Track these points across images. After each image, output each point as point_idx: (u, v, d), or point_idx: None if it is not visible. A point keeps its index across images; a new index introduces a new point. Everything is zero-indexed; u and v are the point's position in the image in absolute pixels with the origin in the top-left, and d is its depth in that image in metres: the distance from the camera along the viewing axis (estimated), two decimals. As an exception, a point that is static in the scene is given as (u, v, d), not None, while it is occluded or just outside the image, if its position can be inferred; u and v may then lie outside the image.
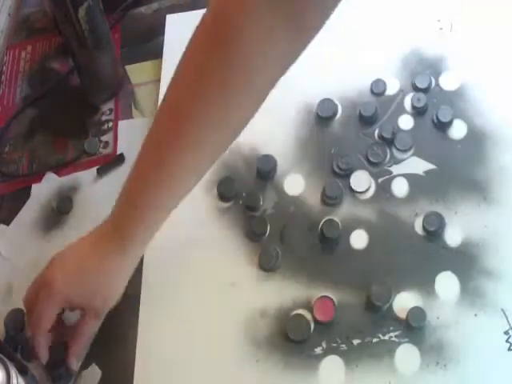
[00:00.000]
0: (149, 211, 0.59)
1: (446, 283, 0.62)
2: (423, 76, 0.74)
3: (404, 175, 0.69)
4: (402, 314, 0.61)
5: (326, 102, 0.75)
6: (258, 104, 0.57)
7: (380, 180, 0.69)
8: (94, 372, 0.63)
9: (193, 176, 0.60)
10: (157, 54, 0.84)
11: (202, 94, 0.54)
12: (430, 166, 0.69)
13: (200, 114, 0.55)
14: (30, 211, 0.75)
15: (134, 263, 0.61)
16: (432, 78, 0.75)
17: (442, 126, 0.71)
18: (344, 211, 0.68)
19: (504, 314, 0.59)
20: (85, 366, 0.64)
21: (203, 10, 0.87)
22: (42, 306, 0.59)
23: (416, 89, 0.74)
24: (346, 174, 0.70)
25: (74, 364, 0.62)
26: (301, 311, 0.63)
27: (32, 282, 0.62)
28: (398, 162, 0.70)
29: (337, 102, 0.75)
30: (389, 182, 0.69)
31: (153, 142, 0.58)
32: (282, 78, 0.78)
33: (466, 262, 0.63)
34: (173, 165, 0.57)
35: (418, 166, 0.69)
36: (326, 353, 0.61)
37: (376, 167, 0.70)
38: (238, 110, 0.56)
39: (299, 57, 0.56)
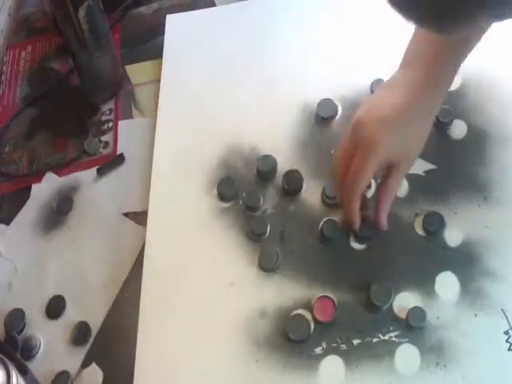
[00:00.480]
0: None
1: (446, 283, 0.62)
2: (423, 76, 0.74)
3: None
4: (402, 314, 0.61)
5: (326, 102, 0.75)
6: None
7: (380, 180, 0.69)
8: (95, 372, 0.63)
9: None
10: (157, 54, 0.84)
11: None
12: (430, 166, 0.69)
13: None
14: (30, 211, 0.75)
15: (435, 110, 0.62)
16: (432, 78, 0.74)
17: (442, 126, 0.71)
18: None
19: (504, 314, 0.59)
20: (85, 365, 0.64)
21: (203, 10, 0.88)
22: (362, 164, 0.59)
23: (416, 89, 0.74)
24: (345, 174, 0.70)
25: (385, 220, 0.63)
26: (301, 311, 0.63)
27: (341, 142, 0.62)
28: (398, 161, 0.70)
29: (337, 102, 0.75)
30: (389, 182, 0.69)
31: None
32: (282, 78, 0.78)
33: (466, 262, 0.63)
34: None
35: (417, 166, 0.69)
36: (325, 353, 0.61)
37: (376, 167, 0.70)
38: None
39: None
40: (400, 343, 0.60)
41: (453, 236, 0.64)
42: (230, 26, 0.85)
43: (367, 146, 0.58)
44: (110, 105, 0.83)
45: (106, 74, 0.82)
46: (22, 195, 0.77)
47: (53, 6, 0.76)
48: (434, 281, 0.62)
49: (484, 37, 0.76)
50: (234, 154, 0.74)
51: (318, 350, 0.61)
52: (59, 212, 0.74)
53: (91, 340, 0.65)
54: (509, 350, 0.58)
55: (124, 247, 0.70)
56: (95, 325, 0.66)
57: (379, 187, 0.63)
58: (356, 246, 0.66)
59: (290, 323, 0.62)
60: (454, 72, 0.62)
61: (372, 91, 0.75)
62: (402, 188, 0.68)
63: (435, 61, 0.60)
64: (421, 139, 0.61)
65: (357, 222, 0.63)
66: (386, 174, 0.62)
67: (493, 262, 0.62)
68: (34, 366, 0.63)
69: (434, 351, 0.59)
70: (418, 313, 0.60)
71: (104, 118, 0.82)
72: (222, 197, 0.71)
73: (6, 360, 0.52)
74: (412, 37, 0.63)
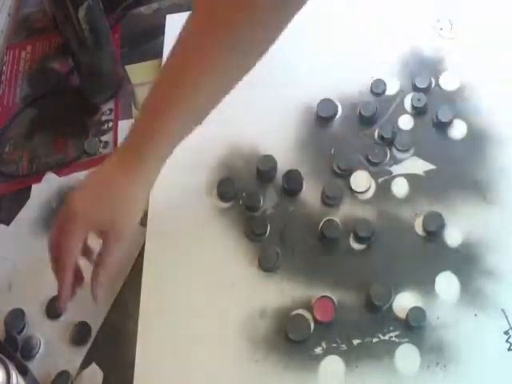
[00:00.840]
0: (167, 124, 0.59)
1: (446, 283, 0.62)
2: (423, 76, 0.74)
3: (404, 175, 0.69)
4: (402, 314, 0.61)
5: (326, 102, 0.75)
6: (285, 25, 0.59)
7: (380, 180, 0.69)
8: (95, 372, 0.63)
9: (211, 100, 0.61)
10: (157, 54, 0.84)
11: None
12: (430, 166, 0.69)
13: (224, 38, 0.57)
14: (30, 211, 0.75)
15: (152, 179, 0.61)
16: (432, 78, 0.75)
17: (442, 126, 0.71)
18: (344, 211, 0.68)
19: (504, 314, 0.59)
20: (85, 365, 0.64)
21: (203, 10, 0.87)
22: (68, 237, 0.59)
23: (416, 89, 0.74)
24: (346, 174, 0.70)
25: (99, 292, 0.62)
26: (301, 311, 0.63)
27: (53, 225, 0.62)
28: (398, 162, 0.70)
29: (337, 102, 0.75)
30: (389, 182, 0.69)
31: (176, 66, 0.59)
32: (282, 78, 0.78)
33: (466, 262, 0.63)
34: (195, 85, 0.58)
35: (418, 166, 0.69)
36: (326, 353, 0.61)
37: (376, 167, 0.70)
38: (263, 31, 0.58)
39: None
40: (400, 343, 0.60)
41: (453, 236, 0.64)
42: (229, 26, 0.85)
43: (69, 218, 0.59)
44: (110, 105, 0.83)
45: (106, 74, 0.82)
46: (22, 195, 0.77)
47: (53, 6, 0.76)
48: (433, 281, 0.62)
49: (484, 36, 0.76)
50: (234, 154, 0.74)
51: (318, 350, 0.61)
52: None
53: (91, 340, 0.65)
54: (509, 350, 0.58)
55: (124, 247, 0.70)
56: (95, 325, 0.66)
57: (97, 257, 0.62)
58: (356, 246, 0.66)
59: (289, 323, 0.62)
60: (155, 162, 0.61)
61: (372, 91, 0.75)
62: (402, 189, 0.68)
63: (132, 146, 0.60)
64: (126, 214, 0.61)
65: (66, 295, 0.61)
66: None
67: (493, 261, 0.62)
68: (33, 365, 0.63)
69: (434, 351, 0.59)
70: (417, 313, 0.60)
71: (104, 117, 0.82)
72: (222, 197, 0.71)
73: (5, 360, 0.52)
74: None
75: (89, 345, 0.65)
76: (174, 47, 0.59)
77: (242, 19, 0.56)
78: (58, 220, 0.61)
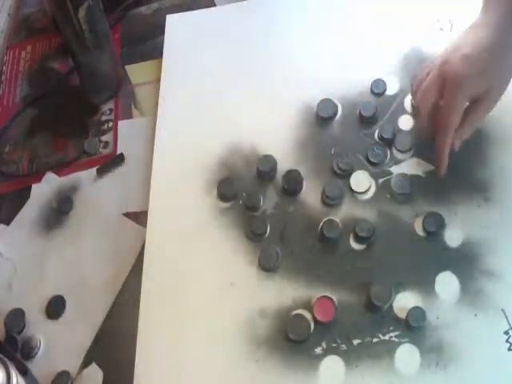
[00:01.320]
0: None
1: (446, 283, 0.62)
2: (423, 76, 0.74)
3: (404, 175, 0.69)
4: (402, 314, 0.61)
5: (326, 102, 0.75)
6: None
7: (380, 180, 0.69)
8: (95, 372, 0.63)
9: None
10: (157, 54, 0.85)
11: None
12: (430, 167, 0.69)
13: None
14: (30, 211, 0.75)
15: None
16: (432, 78, 0.74)
17: (442, 126, 0.71)
18: (344, 211, 0.68)
19: (504, 314, 0.60)
20: (85, 365, 0.64)
21: (203, 10, 0.88)
22: (453, 100, 0.62)
23: (416, 89, 0.74)
24: (346, 174, 0.70)
25: (457, 144, 0.65)
26: (301, 311, 0.63)
27: (427, 80, 0.65)
28: (398, 162, 0.70)
29: (337, 102, 0.75)
30: (389, 182, 0.69)
31: None
32: (282, 78, 0.78)
33: (466, 262, 0.63)
34: None
35: (418, 166, 0.69)
36: (326, 353, 0.61)
37: (376, 167, 0.70)
38: None
39: None
40: (400, 343, 0.60)
41: (453, 236, 0.64)
42: (229, 26, 0.85)
43: (455, 83, 0.62)
44: (110, 105, 0.83)
45: (106, 73, 0.82)
46: (22, 195, 0.77)
47: (53, 6, 0.76)
48: (433, 281, 0.62)
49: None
50: (234, 154, 0.74)
51: (318, 350, 0.61)
52: (59, 212, 0.74)
53: (91, 339, 0.65)
54: (509, 349, 0.58)
55: (124, 247, 0.70)
56: (95, 325, 0.66)
57: (463, 117, 0.64)
58: (356, 246, 0.66)
59: (289, 323, 0.62)
60: None
61: (372, 91, 0.75)
62: (404, 186, 0.68)
63: None
64: (505, 76, 0.64)
65: (446, 161, 0.65)
66: (471, 106, 0.64)
67: (493, 262, 0.62)
68: (33, 366, 0.63)
69: (434, 351, 0.59)
70: (417, 313, 0.60)
71: (104, 117, 0.82)
72: (222, 197, 0.71)
73: (5, 360, 0.52)
74: None
75: (88, 344, 0.65)
76: None
77: None
78: (439, 78, 0.64)
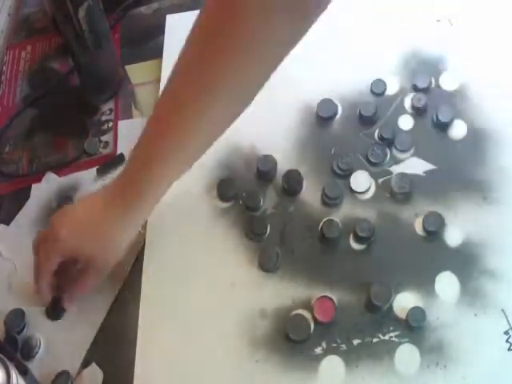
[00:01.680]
0: (155, 175, 0.60)
1: (446, 283, 0.62)
2: (423, 76, 0.74)
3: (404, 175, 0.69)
4: (402, 314, 0.61)
5: (326, 102, 0.75)
6: (258, 89, 0.59)
7: (380, 180, 0.69)
8: (95, 372, 0.63)
9: (192, 156, 0.62)
10: (157, 54, 0.84)
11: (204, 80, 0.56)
12: (430, 166, 0.69)
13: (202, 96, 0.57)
14: (29, 211, 0.75)
15: (137, 224, 0.64)
16: (432, 78, 0.75)
17: (442, 126, 0.71)
18: (344, 211, 0.68)
19: (504, 314, 0.59)
20: (85, 365, 0.64)
21: (203, 10, 0.88)
22: (46, 252, 0.62)
23: (416, 89, 0.74)
24: (345, 174, 0.70)
25: (69, 306, 0.66)
26: (301, 311, 0.63)
27: (41, 231, 0.65)
28: (398, 162, 0.70)
29: (337, 102, 0.75)
30: (389, 182, 0.69)
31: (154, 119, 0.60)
32: (282, 78, 0.78)
33: (466, 262, 0.63)
34: (174, 138, 0.59)
35: (418, 166, 0.69)
36: (326, 353, 0.61)
37: (376, 167, 0.70)
38: (232, 105, 0.59)
39: (297, 44, 0.56)
40: (400, 343, 0.60)
41: (453, 236, 0.64)
42: (229, 26, 0.85)
43: (52, 235, 0.61)
44: (110, 105, 0.83)
45: (106, 73, 0.82)
46: (22, 195, 0.77)
47: (53, 6, 0.76)
48: (433, 281, 0.62)
49: (484, 36, 0.76)
50: (234, 154, 0.74)
51: (318, 350, 0.61)
52: (59, 212, 0.74)
53: (91, 339, 0.65)
54: (509, 349, 0.58)
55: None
56: (95, 325, 0.66)
57: (76, 282, 0.64)
58: (356, 246, 0.66)
59: (289, 323, 0.62)
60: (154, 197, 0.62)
61: (372, 91, 0.75)
62: (404, 186, 0.68)
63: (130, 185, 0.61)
64: (107, 253, 0.63)
65: (45, 297, 0.65)
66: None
67: (493, 261, 0.62)
68: (33, 366, 0.63)
69: (434, 351, 0.59)
70: (418, 313, 0.60)
71: (104, 117, 0.82)
72: (222, 197, 0.71)
73: (5, 360, 0.52)
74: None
75: (88, 344, 0.65)
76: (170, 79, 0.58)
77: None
78: (41, 233, 0.64)
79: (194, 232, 0.69)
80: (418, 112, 0.72)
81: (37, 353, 0.65)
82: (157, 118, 0.60)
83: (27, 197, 0.76)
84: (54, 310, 0.66)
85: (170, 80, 0.57)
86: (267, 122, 0.75)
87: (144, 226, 0.70)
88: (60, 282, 0.65)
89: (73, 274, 0.64)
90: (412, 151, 0.70)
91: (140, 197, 0.61)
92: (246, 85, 0.57)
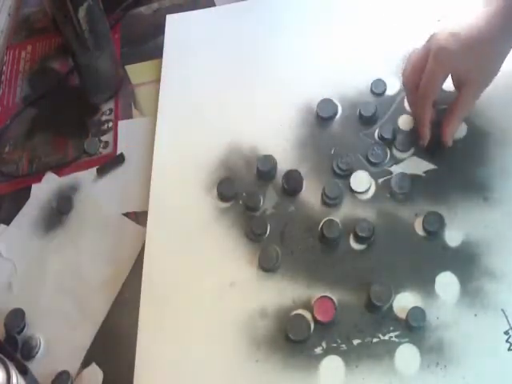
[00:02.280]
0: None
1: (446, 283, 0.62)
2: (423, 76, 0.74)
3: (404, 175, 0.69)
4: (402, 314, 0.61)
5: (326, 102, 0.75)
6: None
7: (380, 180, 0.69)
8: (95, 372, 0.63)
9: None
10: (157, 54, 0.84)
11: None
12: (430, 166, 0.69)
13: None
14: (29, 211, 0.75)
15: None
16: (432, 77, 0.74)
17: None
18: (344, 211, 0.68)
19: (504, 314, 0.59)
20: (85, 365, 0.64)
21: (203, 10, 0.88)
22: (433, 71, 0.62)
23: (416, 89, 0.74)
24: (345, 174, 0.70)
25: (449, 136, 0.65)
26: (301, 311, 0.63)
27: (414, 54, 0.66)
28: (398, 162, 0.70)
29: (337, 102, 0.75)
30: (389, 182, 0.69)
31: None
32: (282, 78, 0.78)
33: (466, 262, 0.63)
34: None
35: (418, 166, 0.69)
36: (326, 353, 0.61)
37: (376, 167, 0.70)
38: None
39: None
40: (400, 343, 0.60)
41: (453, 236, 0.64)
42: (230, 26, 0.85)
43: (438, 53, 0.61)
44: (110, 105, 0.83)
45: (105, 73, 0.82)
46: (22, 195, 0.77)
47: (53, 7, 0.76)
48: (433, 281, 0.62)
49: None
50: (234, 154, 0.74)
51: (318, 350, 0.61)
52: (59, 212, 0.74)
53: (91, 339, 0.65)
54: (509, 349, 0.58)
55: (124, 247, 0.70)
56: (95, 325, 0.66)
57: (450, 104, 0.65)
58: (356, 246, 0.66)
59: (289, 323, 0.62)
60: None
61: (372, 91, 0.75)
62: (404, 186, 0.68)
63: None
64: (493, 62, 0.62)
65: (427, 133, 0.65)
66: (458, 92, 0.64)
67: (493, 261, 0.62)
68: (33, 366, 0.63)
69: (434, 351, 0.59)
70: (418, 313, 0.60)
71: (104, 117, 0.82)
72: (222, 197, 0.71)
73: (5, 360, 0.52)
74: None
75: (88, 343, 0.65)
76: None
77: None
78: (425, 50, 0.64)
79: (193, 232, 0.69)
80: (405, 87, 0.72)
81: (37, 353, 0.65)
82: None
83: (27, 197, 0.76)
84: (431, 150, 0.65)
85: None
86: (267, 122, 0.75)
87: (144, 226, 0.70)
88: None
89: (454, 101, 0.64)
90: (412, 151, 0.70)
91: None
92: None
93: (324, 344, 0.61)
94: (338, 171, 0.70)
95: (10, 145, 0.82)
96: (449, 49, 0.61)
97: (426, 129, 0.66)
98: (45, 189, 0.77)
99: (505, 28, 0.61)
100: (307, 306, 0.63)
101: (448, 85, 0.74)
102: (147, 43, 0.87)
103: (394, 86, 0.75)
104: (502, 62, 0.63)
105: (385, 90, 0.75)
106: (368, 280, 0.63)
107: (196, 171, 0.73)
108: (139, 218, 0.72)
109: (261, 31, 0.83)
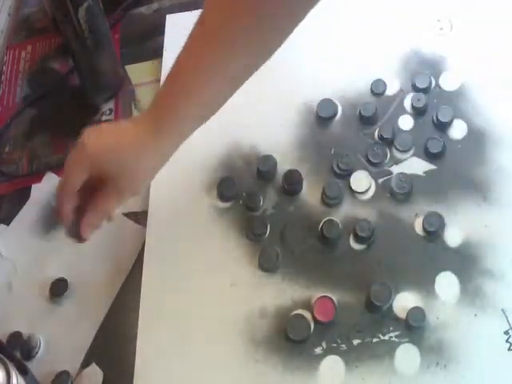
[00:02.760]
0: (183, 106, 0.59)
1: (446, 283, 0.62)
2: (423, 76, 0.74)
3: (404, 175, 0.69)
4: (402, 314, 0.61)
5: (326, 102, 0.75)
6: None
7: (380, 180, 0.69)
8: (95, 372, 0.63)
9: (223, 90, 0.62)
10: (157, 54, 0.84)
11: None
12: (430, 166, 0.69)
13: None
14: (29, 211, 0.75)
15: (164, 155, 0.61)
16: (432, 78, 0.74)
17: (442, 126, 0.71)
18: (344, 211, 0.68)
19: (504, 314, 0.59)
20: (85, 365, 0.64)
21: (203, 10, 0.88)
22: (72, 165, 0.60)
23: (416, 89, 0.74)
24: (346, 174, 0.70)
25: (87, 233, 0.61)
26: (301, 311, 0.63)
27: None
28: (398, 162, 0.70)
29: (337, 102, 0.75)
30: (389, 182, 0.69)
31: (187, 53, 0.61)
32: (282, 78, 0.78)
33: (466, 262, 0.63)
34: (206, 70, 0.59)
35: (418, 166, 0.69)
36: (326, 353, 0.61)
37: (376, 167, 0.70)
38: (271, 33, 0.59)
39: None
40: (400, 343, 0.60)
41: (453, 236, 0.64)
42: (230, 26, 0.85)
43: (79, 147, 0.60)
44: (110, 105, 0.83)
45: (106, 74, 0.82)
46: (22, 195, 0.77)
47: (53, 6, 0.76)
48: (433, 281, 0.62)
49: (484, 36, 0.76)
50: (234, 154, 0.74)
51: (318, 350, 0.61)
52: (59, 212, 0.74)
53: (91, 339, 0.65)
54: (509, 349, 0.58)
55: (124, 247, 0.70)
56: (95, 325, 0.66)
57: (93, 199, 0.61)
58: (356, 246, 0.66)
59: (289, 323, 0.62)
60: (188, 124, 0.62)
61: (372, 91, 0.75)
62: (404, 186, 0.67)
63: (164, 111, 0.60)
64: (134, 171, 0.60)
65: (66, 215, 0.60)
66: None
67: (493, 262, 0.62)
68: (33, 366, 0.63)
69: (434, 351, 0.59)
70: (417, 313, 0.60)
71: (104, 118, 0.82)
72: (222, 197, 0.71)
73: (6, 360, 0.52)
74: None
75: (88, 343, 0.65)
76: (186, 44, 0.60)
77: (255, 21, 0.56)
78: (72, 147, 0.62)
79: (193, 232, 0.69)
80: (418, 112, 0.72)
81: (37, 353, 0.65)
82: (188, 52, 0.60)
83: (27, 197, 0.76)
84: (73, 236, 0.61)
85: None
86: (267, 122, 0.75)
87: (145, 226, 0.70)
88: (81, 204, 0.61)
89: (95, 198, 0.60)
90: (412, 151, 0.70)
91: (169, 125, 0.59)
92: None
93: (324, 344, 0.61)
94: (337, 171, 0.70)
95: (9, 145, 0.82)
96: (89, 144, 0.59)
97: (65, 209, 0.60)
98: (45, 189, 0.77)
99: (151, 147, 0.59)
100: (307, 306, 0.63)
101: (448, 85, 0.74)
102: (147, 43, 0.87)
103: (394, 86, 0.75)
104: (154, 170, 0.62)
105: (385, 90, 0.75)
106: (368, 280, 0.63)
107: (196, 171, 0.73)
108: (139, 218, 0.72)
109: (261, 31, 0.83)
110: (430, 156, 0.69)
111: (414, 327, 0.60)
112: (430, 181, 0.68)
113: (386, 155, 0.71)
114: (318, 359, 0.60)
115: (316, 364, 0.60)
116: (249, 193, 0.71)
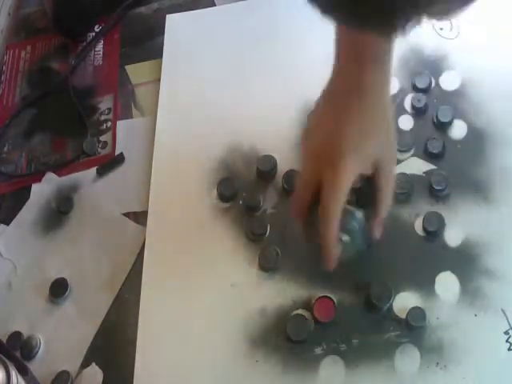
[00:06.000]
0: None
1: (446, 283, 0.62)
2: (423, 76, 0.74)
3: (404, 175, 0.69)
4: (402, 314, 0.61)
5: (326, 102, 0.75)
6: None
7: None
8: (95, 372, 0.63)
9: None
10: (157, 54, 0.84)
11: None
12: (430, 166, 0.69)
13: None
14: (29, 211, 0.75)
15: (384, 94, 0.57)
16: (432, 78, 0.74)
17: (442, 126, 0.71)
18: (344, 211, 0.68)
19: (504, 314, 0.59)
20: (85, 365, 0.64)
21: (203, 10, 0.88)
22: (330, 197, 0.53)
23: (416, 89, 0.74)
24: (346, 174, 0.70)
25: (377, 231, 0.59)
26: (301, 311, 0.63)
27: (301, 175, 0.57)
28: (398, 162, 0.70)
29: (337, 102, 0.75)
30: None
31: None
32: (282, 78, 0.78)
33: (466, 262, 0.63)
34: None
35: (418, 166, 0.69)
36: (326, 353, 0.61)
37: (376, 167, 0.70)
38: None
39: None
40: (400, 343, 0.60)
41: (453, 236, 0.64)
42: (230, 26, 0.85)
43: (333, 166, 0.54)
44: (109, 104, 0.83)
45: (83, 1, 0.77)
46: (22, 195, 0.77)
47: (50, 1, 0.73)
48: (433, 281, 0.62)
49: (484, 36, 0.76)
50: (234, 154, 0.74)
51: (318, 350, 0.61)
52: (59, 212, 0.74)
53: (91, 339, 0.65)
54: (509, 349, 0.58)
55: (124, 247, 0.70)
56: (95, 325, 0.66)
57: (373, 198, 0.57)
58: (356, 246, 0.66)
59: (289, 323, 0.62)
60: (389, 67, 0.58)
61: (372, 91, 0.75)
62: (404, 186, 0.67)
63: (369, 60, 0.57)
64: (384, 132, 0.57)
65: (332, 251, 0.56)
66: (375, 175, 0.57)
67: (493, 262, 0.62)
68: (33, 366, 0.63)
69: (434, 351, 0.59)
70: (417, 313, 0.60)
71: (103, 117, 0.82)
72: (222, 197, 0.71)
73: (5, 360, 0.52)
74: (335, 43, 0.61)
75: (88, 343, 0.65)
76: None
77: None
78: (306, 158, 0.57)
79: (193, 232, 0.69)
80: (418, 112, 0.72)
81: (37, 353, 0.65)
82: None
83: (27, 197, 0.76)
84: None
85: None
86: (267, 121, 0.75)
87: (145, 226, 0.70)
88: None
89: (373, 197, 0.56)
90: (412, 151, 0.70)
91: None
92: None
93: (324, 344, 0.61)
94: (337, 171, 0.70)
95: (9, 144, 0.82)
96: (341, 155, 0.54)
97: (332, 247, 0.56)
98: (45, 189, 0.77)
99: (374, 100, 0.56)
100: (307, 306, 0.63)
101: (448, 85, 0.74)
102: (147, 43, 0.87)
103: (393, 86, 0.75)
104: (393, 124, 0.59)
105: (385, 89, 0.75)
106: (368, 280, 0.63)
107: (196, 171, 0.73)
108: (139, 218, 0.72)
109: (261, 31, 0.83)
110: (430, 156, 0.69)
111: (413, 327, 0.60)
112: (430, 181, 0.68)
113: (386, 155, 0.70)
114: (317, 359, 0.60)
115: (316, 364, 0.60)
116: (249, 193, 0.71)
